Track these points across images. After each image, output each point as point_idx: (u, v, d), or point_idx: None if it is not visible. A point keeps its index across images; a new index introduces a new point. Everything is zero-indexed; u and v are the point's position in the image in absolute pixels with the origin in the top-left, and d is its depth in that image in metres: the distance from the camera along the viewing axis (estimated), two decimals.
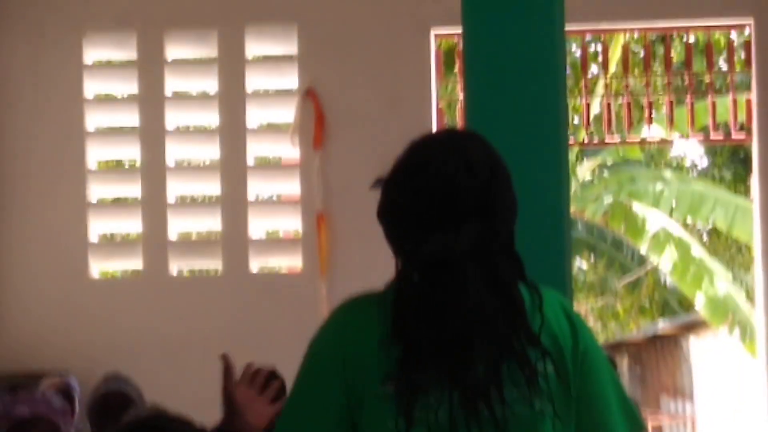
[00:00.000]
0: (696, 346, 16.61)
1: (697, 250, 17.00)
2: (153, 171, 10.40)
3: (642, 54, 12.11)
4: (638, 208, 17.02)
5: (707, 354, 16.69)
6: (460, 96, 10.33)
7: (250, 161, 10.36)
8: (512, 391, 3.03)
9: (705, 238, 19.89)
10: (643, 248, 17.32)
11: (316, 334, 3.24)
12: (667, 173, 18.71)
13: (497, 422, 3.01)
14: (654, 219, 16.93)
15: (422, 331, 3.06)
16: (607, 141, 11.85)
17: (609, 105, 11.46)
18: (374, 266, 10.07)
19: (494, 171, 3.17)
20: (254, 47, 10.40)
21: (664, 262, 17.00)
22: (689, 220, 18.01)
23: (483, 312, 3.05)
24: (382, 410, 3.05)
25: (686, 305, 19.29)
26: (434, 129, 3.18)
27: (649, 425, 10.32)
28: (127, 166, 12.18)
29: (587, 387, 3.14)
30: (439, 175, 3.13)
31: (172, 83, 10.43)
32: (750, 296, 15.95)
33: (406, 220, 3.18)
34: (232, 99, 10.32)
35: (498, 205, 3.15)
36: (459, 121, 10.76)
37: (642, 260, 18.68)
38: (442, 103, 10.63)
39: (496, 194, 3.16)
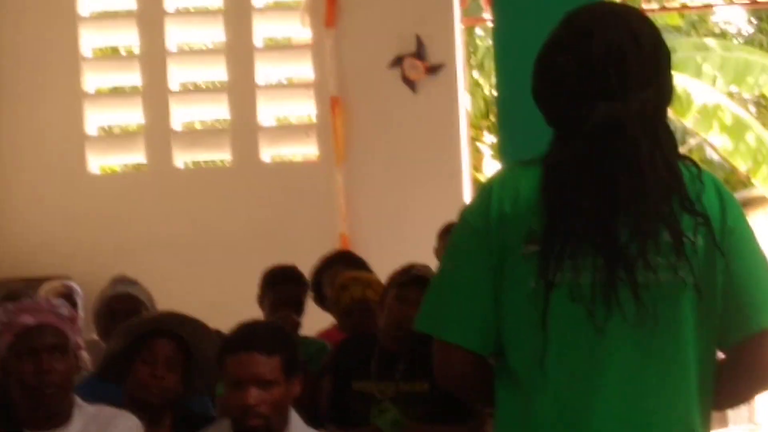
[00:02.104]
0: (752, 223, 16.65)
1: (749, 122, 16.98)
2: (152, 57, 10.40)
3: None
4: (681, 79, 16.96)
5: (758, 229, 16.74)
6: None
7: (258, 43, 10.36)
8: (657, 259, 3.14)
9: (753, 109, 19.80)
10: (688, 123, 17.31)
11: (475, 198, 3.35)
12: (710, 41, 18.62)
13: (637, 289, 3.12)
14: (698, 91, 16.88)
15: (581, 198, 3.17)
16: (644, 8, 11.82)
17: None
18: (394, 153, 10.23)
19: (657, 45, 3.28)
20: None
21: (713, 136, 16.98)
22: (735, 90, 17.98)
23: (649, 179, 3.17)
24: (524, 270, 3.18)
25: (734, 182, 19.27)
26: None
27: None
28: (124, 53, 12.14)
29: (735, 264, 3.21)
30: (606, 42, 3.23)
31: None
32: None
33: (570, 88, 3.25)
34: None
35: (662, 78, 3.28)
36: (487, 3, 10.73)
37: (686, 135, 18.65)
38: None
39: (660, 67, 3.28)
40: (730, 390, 3.31)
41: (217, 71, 10.60)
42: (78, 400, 4.70)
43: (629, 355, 3.16)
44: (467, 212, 3.32)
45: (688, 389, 3.20)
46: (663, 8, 12.85)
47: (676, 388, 3.18)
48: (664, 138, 3.24)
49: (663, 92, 3.28)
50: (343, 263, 7.25)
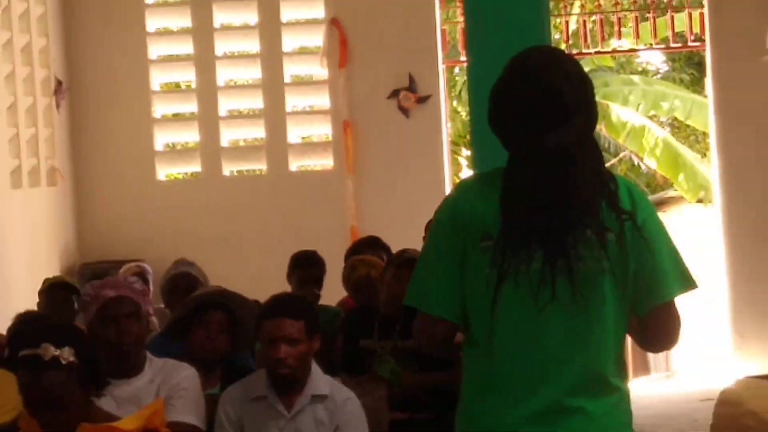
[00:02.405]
0: (664, 219, 16.62)
1: (666, 139, 16.98)
2: (206, 90, 10.39)
3: None
4: (613, 107, 16.95)
5: (672, 225, 16.74)
6: (460, 20, 10.27)
7: (287, 79, 10.34)
8: (585, 251, 3.14)
9: (668, 128, 19.76)
10: (619, 139, 17.30)
11: (441, 204, 3.32)
12: (635, 78, 18.59)
13: (572, 275, 3.12)
14: (627, 115, 16.90)
15: (532, 206, 3.15)
16: (583, 52, 11.79)
17: (584, 22, 11.42)
18: (392, 164, 10.22)
19: (584, 81, 3.25)
20: None
21: (640, 149, 16.99)
22: (654, 114, 18.00)
23: (582, 189, 3.16)
24: (480, 261, 3.17)
25: (654, 186, 19.23)
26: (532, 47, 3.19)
27: None
28: (184, 87, 12.14)
29: (647, 250, 3.19)
30: (545, 83, 3.20)
31: (220, 17, 10.40)
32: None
33: (520, 121, 3.22)
34: (271, 28, 10.29)
35: (590, 107, 3.24)
36: (460, 42, 10.72)
37: (616, 150, 18.61)
38: (445, 26, 10.58)
39: (587, 98, 3.24)
40: (648, 345, 3.35)
41: (256, 101, 10.59)
42: (149, 354, 4.69)
43: (561, 326, 3.16)
44: (439, 214, 3.30)
45: (606, 350, 3.20)
46: (598, 52, 12.79)
47: (595, 350, 3.19)
48: (594, 154, 3.22)
49: (591, 117, 3.25)
50: (369, 245, 7.24)
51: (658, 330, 3.27)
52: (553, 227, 3.14)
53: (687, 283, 3.26)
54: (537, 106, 3.19)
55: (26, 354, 3.71)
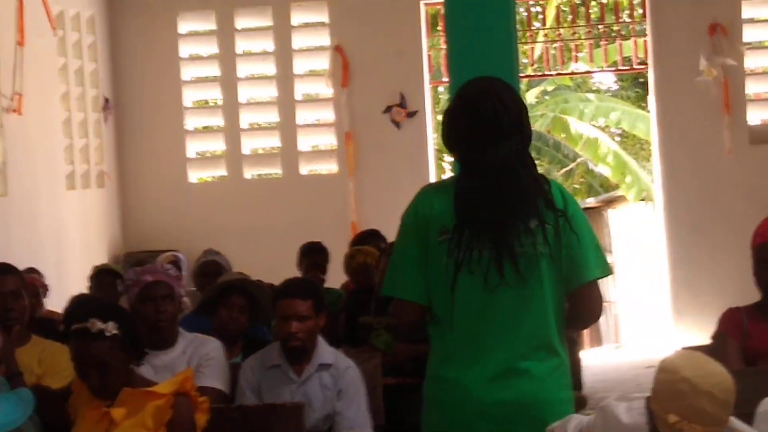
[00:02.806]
0: (613, 215, 16.58)
1: (615, 149, 16.98)
2: (230, 107, 10.37)
3: (569, 12, 12.03)
4: (571, 120, 16.95)
5: (620, 220, 16.71)
6: (443, 47, 10.27)
7: (298, 97, 10.33)
8: (527, 240, 3.21)
9: (618, 138, 19.76)
10: (576, 148, 17.27)
11: (407, 208, 3.37)
12: (590, 95, 18.59)
13: (515, 261, 3.18)
14: (582, 128, 16.89)
15: (472, 202, 3.24)
16: (546, 74, 11.81)
17: (547, 48, 11.42)
18: (386, 169, 10.21)
19: (519, 105, 3.32)
20: (298, 17, 10.31)
21: (594, 157, 16.99)
22: (606, 125, 17.99)
23: (522, 192, 3.24)
24: (440, 252, 3.23)
25: (605, 186, 19.22)
26: (478, 78, 3.25)
27: None
28: (211, 104, 12.11)
29: (573, 240, 3.26)
30: (486, 109, 3.27)
31: (241, 45, 10.38)
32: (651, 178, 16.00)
33: (467, 140, 3.29)
34: (284, 55, 10.26)
35: (524, 127, 3.31)
36: (443, 66, 10.71)
37: (574, 157, 18.60)
38: (431, 52, 10.58)
39: (522, 119, 3.30)
40: (574, 321, 3.39)
41: (272, 116, 10.57)
42: (181, 330, 4.69)
43: (509, 303, 3.21)
44: (404, 218, 3.36)
45: (547, 322, 3.26)
46: (559, 73, 12.79)
47: (537, 322, 3.24)
48: (530, 164, 3.30)
49: (525, 135, 3.31)
50: (371, 236, 7.23)
51: (583, 307, 3.32)
52: (498, 222, 3.20)
53: (605, 268, 3.33)
54: (477, 129, 3.25)
55: (77, 327, 3.72)
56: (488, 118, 3.24)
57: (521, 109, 3.30)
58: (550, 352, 3.25)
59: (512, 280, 3.19)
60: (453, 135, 3.31)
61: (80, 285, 7.27)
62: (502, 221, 3.20)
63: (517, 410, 3.20)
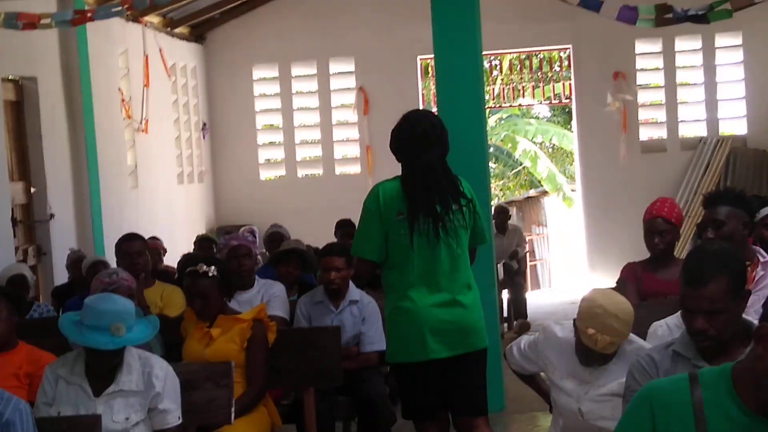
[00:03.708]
0: (547, 202, 16.52)
1: (547, 161, 16.87)
2: (287, 128, 10.36)
3: (518, 63, 11.97)
4: (519, 138, 16.84)
5: (551, 205, 16.64)
6: (433, 88, 10.24)
7: (334, 122, 10.30)
8: (454, 218, 3.33)
9: (550, 151, 19.64)
10: (522, 157, 17.17)
11: (367, 196, 3.40)
12: (532, 120, 18.48)
13: (447, 230, 3.30)
14: (524, 144, 16.79)
15: (419, 195, 3.31)
16: (502, 105, 11.76)
17: (503, 88, 11.38)
18: (395, 171, 10.17)
19: (442, 127, 3.40)
20: (333, 67, 10.27)
21: (534, 165, 16.89)
22: (542, 141, 17.88)
23: (446, 186, 3.34)
24: (399, 226, 3.30)
25: (537, 184, 19.14)
26: (417, 108, 3.32)
27: (528, 240, 10.41)
28: (274, 126, 12.10)
29: (476, 219, 3.44)
30: (421, 129, 3.35)
31: (295, 86, 10.35)
32: (572, 179, 15.90)
33: (407, 149, 3.36)
34: (324, 93, 10.25)
35: (445, 142, 3.40)
36: (432, 100, 10.67)
37: (521, 162, 18.52)
38: (424, 91, 10.54)
39: (443, 137, 3.39)
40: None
41: (316, 134, 10.54)
42: (257, 277, 4.68)
43: (446, 256, 3.33)
44: (367, 203, 3.38)
45: (467, 268, 3.40)
46: (510, 105, 12.73)
47: (463, 267, 3.38)
48: (447, 167, 3.39)
49: (445, 148, 3.40)
50: None
51: (475, 257, 3.51)
52: (435, 206, 3.32)
53: (488, 238, 3.60)
54: (414, 142, 3.34)
55: (189, 270, 3.73)
56: (421, 134, 3.32)
57: (443, 130, 3.39)
58: (471, 289, 3.39)
59: (446, 242, 3.30)
60: (399, 144, 3.38)
61: (187, 248, 7.28)
62: (437, 204, 3.31)
63: (455, 327, 3.33)
